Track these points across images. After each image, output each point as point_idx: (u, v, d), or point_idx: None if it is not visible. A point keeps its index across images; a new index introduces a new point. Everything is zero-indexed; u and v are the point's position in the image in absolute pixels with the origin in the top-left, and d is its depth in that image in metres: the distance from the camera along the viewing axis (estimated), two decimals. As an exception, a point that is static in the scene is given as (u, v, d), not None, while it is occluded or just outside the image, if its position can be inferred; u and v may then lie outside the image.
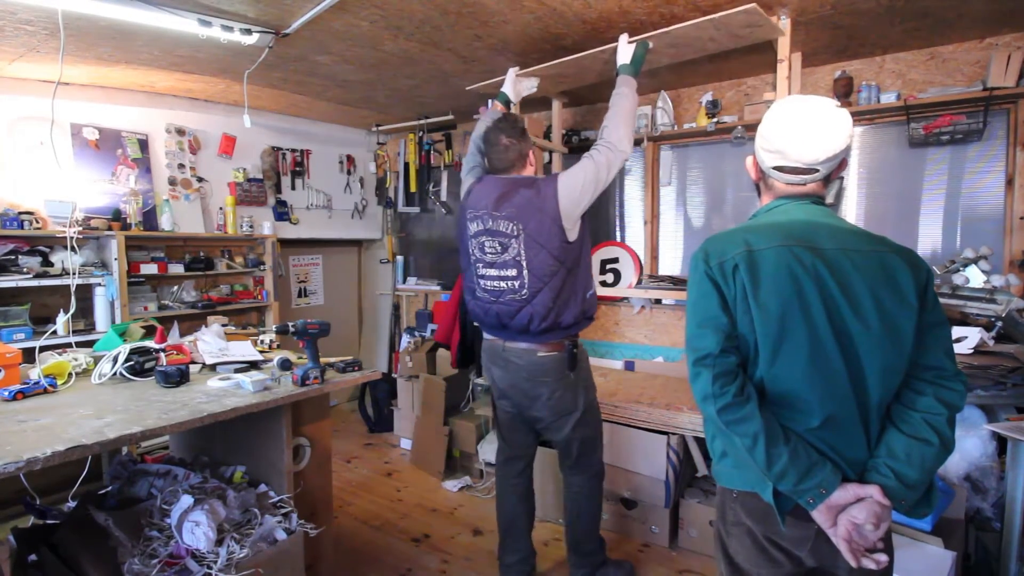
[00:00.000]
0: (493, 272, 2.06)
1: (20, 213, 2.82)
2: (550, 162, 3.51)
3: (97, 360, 2.09)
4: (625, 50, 2.22)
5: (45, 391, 1.83)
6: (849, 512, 1.03)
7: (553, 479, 2.78)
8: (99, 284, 3.02)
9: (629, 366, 3.41)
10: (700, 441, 2.71)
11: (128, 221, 3.23)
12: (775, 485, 1.06)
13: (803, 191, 1.19)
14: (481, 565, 2.56)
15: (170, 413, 1.62)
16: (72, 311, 2.72)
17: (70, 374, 2.00)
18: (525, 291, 2.00)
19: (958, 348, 2.07)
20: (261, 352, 2.41)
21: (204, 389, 1.90)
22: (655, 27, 2.26)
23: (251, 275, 3.97)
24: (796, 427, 1.09)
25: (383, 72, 3.08)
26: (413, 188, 4.58)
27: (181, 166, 3.63)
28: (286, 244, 4.31)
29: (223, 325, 2.69)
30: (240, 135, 3.88)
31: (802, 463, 1.04)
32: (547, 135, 3.43)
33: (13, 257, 2.79)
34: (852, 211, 2.92)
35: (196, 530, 1.61)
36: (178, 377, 1.95)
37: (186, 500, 1.69)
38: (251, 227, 3.86)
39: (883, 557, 1.02)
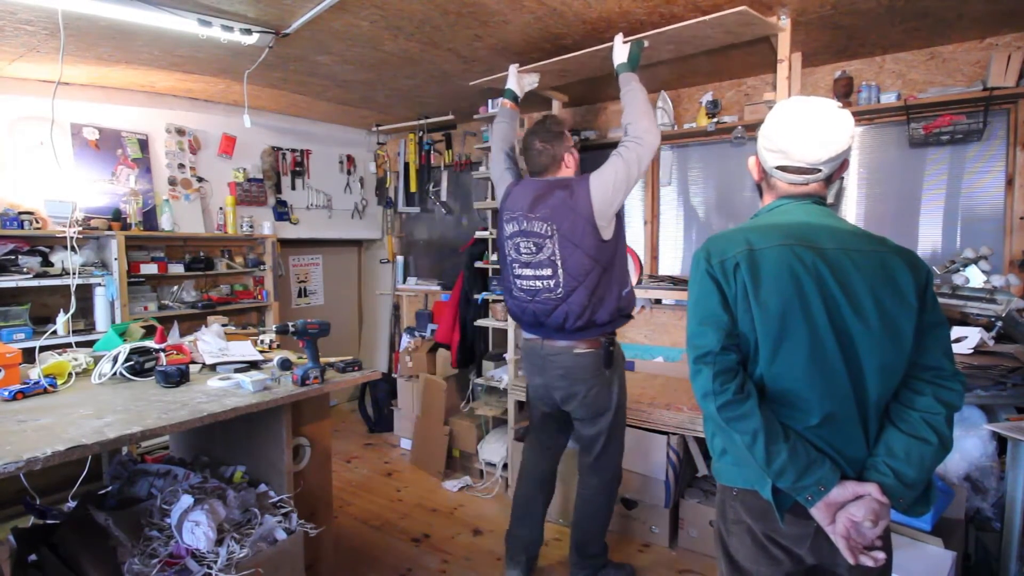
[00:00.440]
0: (528, 272, 2.10)
1: (20, 213, 2.82)
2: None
3: (97, 360, 2.09)
4: (621, 50, 2.25)
5: (45, 391, 1.83)
6: (848, 510, 1.04)
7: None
8: (99, 284, 3.02)
9: (629, 366, 3.40)
10: (700, 441, 2.71)
11: (128, 221, 3.24)
12: (774, 482, 1.07)
13: (805, 191, 1.20)
14: (481, 565, 2.56)
15: (170, 413, 1.62)
16: (72, 311, 2.72)
17: (70, 374, 2.00)
18: (560, 290, 2.03)
19: (958, 348, 2.07)
20: (261, 352, 2.41)
21: (204, 389, 1.90)
22: (655, 27, 2.26)
23: (251, 275, 3.97)
24: (795, 425, 1.10)
25: (383, 72, 3.08)
26: (413, 188, 4.58)
27: (181, 166, 3.63)
28: (286, 244, 4.31)
29: (223, 325, 2.70)
30: (240, 135, 3.88)
31: (801, 460, 1.05)
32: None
33: (13, 257, 2.79)
34: (852, 211, 2.92)
35: (196, 530, 1.61)
36: (178, 377, 1.95)
37: (186, 500, 1.69)
38: (251, 227, 3.86)
39: (881, 555, 1.02)
